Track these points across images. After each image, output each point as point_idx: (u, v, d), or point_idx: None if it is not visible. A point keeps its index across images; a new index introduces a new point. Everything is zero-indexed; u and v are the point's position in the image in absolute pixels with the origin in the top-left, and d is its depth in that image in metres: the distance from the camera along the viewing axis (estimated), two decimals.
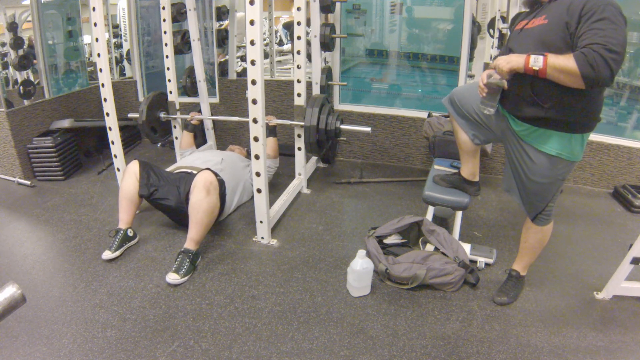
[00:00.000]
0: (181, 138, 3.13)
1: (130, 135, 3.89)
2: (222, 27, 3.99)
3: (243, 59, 4.20)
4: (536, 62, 1.31)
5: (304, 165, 2.90)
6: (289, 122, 2.79)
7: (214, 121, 3.55)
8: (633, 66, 3.12)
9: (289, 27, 2.89)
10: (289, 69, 5.60)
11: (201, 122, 3.43)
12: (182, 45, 3.25)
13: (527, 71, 1.34)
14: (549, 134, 1.47)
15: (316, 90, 2.99)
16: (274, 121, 2.79)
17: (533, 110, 1.45)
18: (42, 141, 3.05)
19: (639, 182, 2.95)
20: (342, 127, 2.67)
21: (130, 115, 3.04)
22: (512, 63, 1.38)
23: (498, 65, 1.42)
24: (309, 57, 2.96)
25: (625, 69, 3.12)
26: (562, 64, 1.26)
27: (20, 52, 3.36)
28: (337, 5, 3.17)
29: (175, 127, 3.26)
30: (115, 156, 2.62)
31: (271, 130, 2.78)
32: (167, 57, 3.06)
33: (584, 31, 1.26)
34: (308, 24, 2.81)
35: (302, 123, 2.63)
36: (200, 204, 2.06)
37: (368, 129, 2.61)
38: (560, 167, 1.52)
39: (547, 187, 1.59)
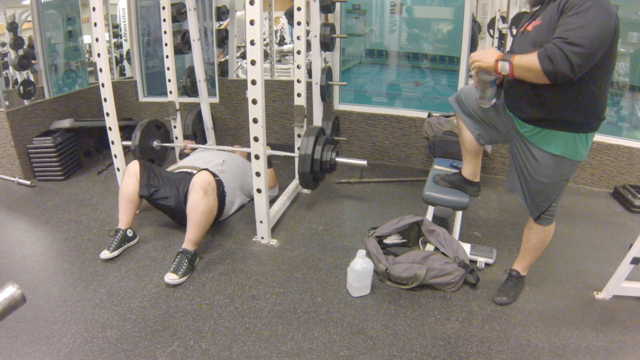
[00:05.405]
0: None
1: (130, 136, 3.88)
2: (222, 27, 3.99)
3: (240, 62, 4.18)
4: (503, 68, 1.37)
5: None
6: (282, 153, 2.68)
7: (214, 121, 3.55)
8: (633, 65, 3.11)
9: (291, 15, 2.82)
10: (289, 69, 5.59)
11: (201, 125, 3.43)
12: (182, 45, 3.25)
13: (498, 74, 1.41)
14: (554, 134, 1.47)
15: (316, 90, 2.99)
16: (268, 152, 2.62)
17: (536, 111, 1.46)
18: (42, 141, 3.04)
19: (639, 182, 2.94)
20: (338, 160, 2.56)
21: (124, 143, 2.77)
22: (482, 63, 1.43)
23: (471, 61, 1.46)
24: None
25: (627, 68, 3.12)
26: (526, 63, 1.32)
27: (20, 52, 3.36)
28: (337, 5, 3.16)
29: (175, 127, 3.26)
30: (115, 156, 2.62)
31: (267, 161, 2.63)
32: (167, 57, 3.06)
33: (558, 25, 1.28)
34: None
35: (298, 151, 2.52)
36: (198, 204, 2.05)
37: (364, 162, 2.53)
38: (565, 167, 1.53)
39: (551, 187, 1.60)
